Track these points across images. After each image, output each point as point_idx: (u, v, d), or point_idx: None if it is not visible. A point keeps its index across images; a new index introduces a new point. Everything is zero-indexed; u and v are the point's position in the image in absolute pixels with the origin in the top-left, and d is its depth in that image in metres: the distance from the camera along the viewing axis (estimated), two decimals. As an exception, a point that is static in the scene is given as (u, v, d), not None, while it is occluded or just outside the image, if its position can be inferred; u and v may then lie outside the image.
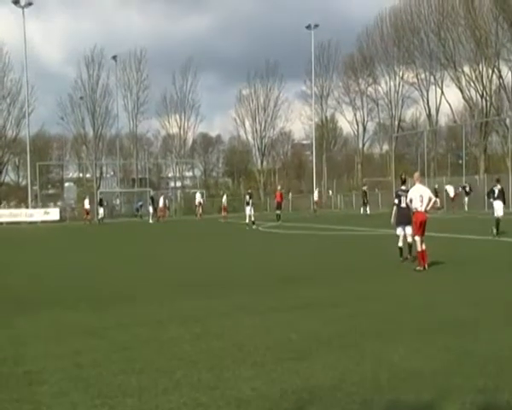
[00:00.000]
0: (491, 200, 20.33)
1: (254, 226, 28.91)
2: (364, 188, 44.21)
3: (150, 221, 42.06)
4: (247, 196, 31.09)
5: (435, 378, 5.00)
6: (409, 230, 13.25)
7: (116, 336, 6.84)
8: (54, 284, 11.76)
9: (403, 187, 13.62)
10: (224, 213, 40.50)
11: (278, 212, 35.31)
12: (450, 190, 42.86)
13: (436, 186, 43.00)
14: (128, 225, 41.11)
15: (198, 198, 47.80)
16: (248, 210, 29.99)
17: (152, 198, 45.63)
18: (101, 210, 45.21)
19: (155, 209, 45.02)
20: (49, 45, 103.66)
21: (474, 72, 57.33)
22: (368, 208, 41.32)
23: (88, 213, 44.88)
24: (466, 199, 41.30)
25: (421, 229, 12.32)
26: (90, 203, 45.61)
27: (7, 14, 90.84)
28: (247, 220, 29.54)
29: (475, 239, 18.90)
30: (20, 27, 50.73)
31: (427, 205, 12.41)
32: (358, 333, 6.66)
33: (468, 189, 41.73)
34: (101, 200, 47.03)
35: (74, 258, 17.80)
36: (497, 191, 20.04)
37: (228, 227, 33.18)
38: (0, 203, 53.57)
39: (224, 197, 44.10)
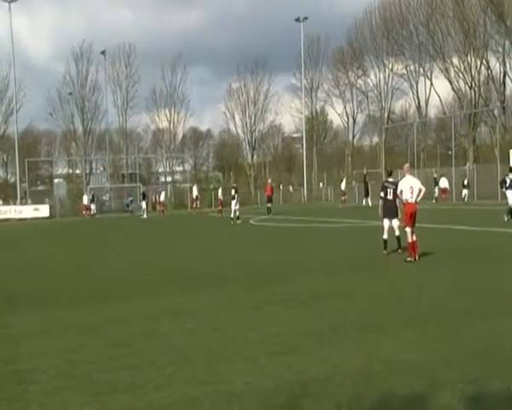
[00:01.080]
0: (504, 189, 21.26)
1: (238, 221, 28.84)
2: (366, 179, 43.06)
3: (144, 216, 41.63)
4: (233, 191, 30.89)
5: (427, 369, 5.02)
6: (395, 222, 13.27)
7: (109, 333, 6.82)
8: (46, 282, 11.70)
9: (390, 179, 13.64)
10: (220, 208, 39.30)
11: (269, 205, 35.37)
12: (444, 182, 42.89)
13: (435, 175, 43.01)
14: (121, 220, 40.96)
15: (195, 192, 46.37)
16: (233, 204, 29.71)
17: (144, 193, 45.55)
18: (92, 206, 45.57)
19: (147, 204, 45.03)
20: (37, 40, 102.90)
21: (463, 63, 57.52)
22: (369, 200, 39.08)
23: (87, 209, 45.73)
24: (465, 192, 41.25)
25: (411, 220, 12.36)
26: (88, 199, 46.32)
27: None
28: (232, 215, 29.36)
29: (470, 230, 19.00)
30: (6, 22, 50.35)
31: (418, 196, 12.46)
32: (350, 326, 6.67)
33: (466, 182, 41.75)
34: (92, 196, 47.14)
35: (67, 255, 17.72)
36: (508, 181, 21.15)
37: (221, 222, 33.15)
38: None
39: (220, 190, 42.25)
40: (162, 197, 47.39)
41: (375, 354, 5.51)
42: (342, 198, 44.96)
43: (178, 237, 23.71)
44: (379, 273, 10.92)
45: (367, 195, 40.24)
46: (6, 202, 51.62)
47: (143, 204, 43.93)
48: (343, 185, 46.83)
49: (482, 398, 4.40)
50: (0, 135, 65.04)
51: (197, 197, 45.94)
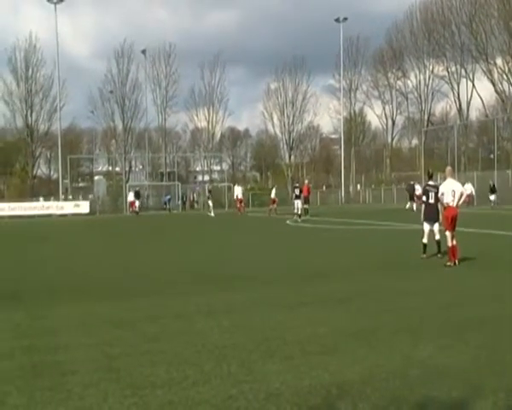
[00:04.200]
0: None
1: (300, 219, 29.92)
2: (412, 183, 42.26)
3: (212, 214, 39.81)
4: (297, 190, 32.68)
5: (466, 376, 4.92)
6: (436, 226, 13.08)
7: (145, 328, 6.90)
8: (84, 276, 11.93)
9: (430, 182, 13.46)
10: (272, 206, 38.71)
11: (306, 206, 35.27)
12: (469, 187, 41.38)
13: (491, 181, 41.73)
14: (162, 217, 41.41)
15: (238, 192, 43.67)
16: (297, 203, 31.55)
17: (210, 191, 44.33)
18: (136, 202, 46.29)
19: (184, 203, 45.47)
20: (79, 40, 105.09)
21: (507, 64, 56.28)
22: (414, 204, 38.05)
23: (133, 205, 46.51)
24: (492, 197, 40.22)
25: (452, 224, 12.15)
26: (134, 196, 47.17)
27: (38, 10, 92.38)
28: (298, 212, 31.18)
29: (507, 235, 18.56)
30: (51, 23, 51.58)
31: (459, 200, 12.25)
32: (387, 329, 6.60)
33: (492, 185, 40.66)
34: (137, 192, 47.72)
35: (105, 250, 18.03)
36: None
37: (262, 222, 33.20)
38: (34, 196, 54.56)
39: (274, 190, 40.46)
40: (240, 194, 43.69)
41: (411, 358, 5.44)
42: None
43: (215, 237, 23.84)
44: (417, 277, 10.77)
45: (412, 198, 39.23)
46: (49, 198, 52.79)
47: (210, 202, 41.87)
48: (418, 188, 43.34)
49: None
50: (44, 132, 66.60)
51: (241, 200, 43.37)
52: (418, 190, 40.19)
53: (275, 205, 38.45)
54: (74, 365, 5.46)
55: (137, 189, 49.73)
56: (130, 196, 47.77)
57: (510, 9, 54.87)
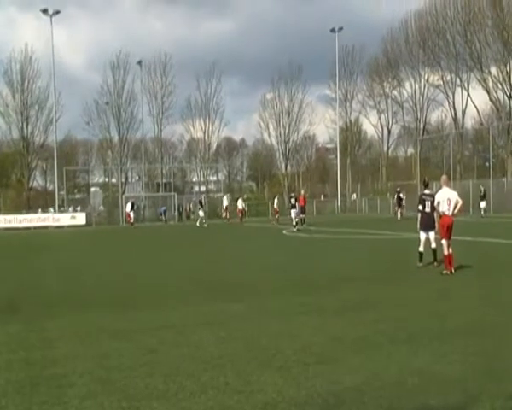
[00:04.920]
0: None
1: (297, 227, 30.65)
2: (398, 189, 42.74)
3: (202, 225, 39.88)
4: (293, 200, 32.98)
5: (463, 383, 4.93)
6: (432, 235, 13.11)
7: (142, 340, 6.89)
8: (81, 288, 11.90)
9: (426, 191, 13.48)
10: (277, 216, 40.09)
11: (302, 216, 35.33)
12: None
13: (481, 188, 41.53)
14: (158, 228, 41.38)
15: (225, 202, 47.11)
16: (293, 213, 32.04)
17: (200, 202, 44.94)
18: (131, 214, 46.12)
19: (180, 213, 45.46)
20: (74, 52, 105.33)
21: (502, 73, 56.58)
22: (399, 212, 38.73)
23: (129, 216, 46.49)
24: (482, 203, 39.80)
25: (448, 232, 12.19)
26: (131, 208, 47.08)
27: (34, 22, 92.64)
28: (294, 222, 31.55)
29: (506, 243, 18.61)
30: (46, 34, 51.69)
31: (455, 208, 12.28)
32: (384, 337, 6.60)
33: (482, 193, 40.22)
34: (132, 204, 47.72)
35: (103, 262, 18.00)
36: None
37: (258, 231, 33.21)
38: (30, 208, 54.47)
39: (276, 200, 42.72)
40: (240, 205, 46.55)
41: (408, 366, 5.44)
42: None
43: (212, 246, 23.83)
44: (413, 285, 10.78)
45: (400, 206, 39.66)
46: (45, 210, 52.67)
47: (201, 212, 42.31)
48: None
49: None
50: (40, 144, 66.55)
51: (227, 207, 46.32)
52: (402, 199, 40.54)
53: (277, 215, 38.89)
54: (71, 377, 5.45)
55: (132, 200, 49.78)
56: (128, 208, 47.69)
57: (504, 19, 55.28)
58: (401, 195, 40.47)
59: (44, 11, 52.12)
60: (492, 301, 8.89)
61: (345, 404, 4.54)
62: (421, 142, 64.96)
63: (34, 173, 70.07)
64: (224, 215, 46.36)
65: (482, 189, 40.11)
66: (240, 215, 45.30)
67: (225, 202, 47.10)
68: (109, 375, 5.47)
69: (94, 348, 6.58)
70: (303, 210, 36.10)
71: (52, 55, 52.20)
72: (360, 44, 69.89)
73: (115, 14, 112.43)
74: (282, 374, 5.33)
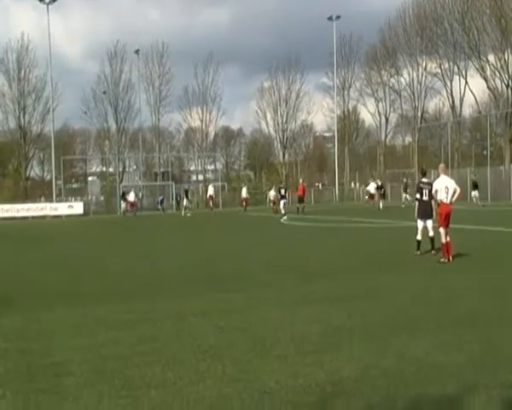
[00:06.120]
0: None
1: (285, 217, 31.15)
2: (405, 180, 42.90)
3: (188, 214, 41.05)
4: (283, 190, 35.56)
5: (461, 372, 4.94)
6: (429, 223, 13.12)
7: (140, 329, 6.90)
8: (79, 279, 11.89)
9: (424, 179, 13.48)
10: (274, 205, 40.22)
11: (302, 205, 35.43)
12: (372, 186, 41.06)
13: (474, 177, 41.12)
14: (157, 218, 41.33)
15: (210, 191, 47.76)
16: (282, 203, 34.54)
17: (186, 192, 45.61)
18: (123, 204, 46.05)
19: (178, 203, 45.47)
20: (71, 41, 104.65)
21: (500, 61, 56.39)
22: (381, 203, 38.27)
23: (133, 205, 46.35)
24: (474, 193, 38.98)
25: (446, 221, 12.19)
26: (135, 196, 47.46)
27: (30, 11, 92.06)
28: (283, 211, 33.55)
29: (506, 232, 18.64)
30: (42, 23, 51.38)
31: (452, 196, 12.28)
32: (382, 326, 6.62)
33: (474, 181, 39.03)
34: (123, 193, 47.62)
35: (100, 252, 17.99)
36: None
37: (253, 220, 33.22)
38: (27, 198, 54.38)
39: (272, 191, 43.35)
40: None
41: (406, 355, 5.45)
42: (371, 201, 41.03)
43: (207, 235, 23.82)
44: (411, 274, 10.79)
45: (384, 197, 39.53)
46: (46, 200, 52.53)
47: (185, 202, 43.38)
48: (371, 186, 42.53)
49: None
50: (37, 134, 66.30)
51: (211, 196, 46.99)
52: (371, 188, 40.61)
53: (275, 205, 38.76)
54: (69, 366, 5.45)
55: (124, 189, 49.66)
56: (131, 196, 47.52)
57: (502, 6, 55.04)
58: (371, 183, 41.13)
59: (41, 0, 51.76)
60: (490, 289, 8.90)
61: (343, 393, 4.55)
62: (418, 130, 64.88)
63: (31, 163, 69.98)
64: (209, 204, 46.91)
65: (474, 178, 39.23)
66: (209, 202, 46.74)
67: (210, 191, 47.62)
68: (107, 364, 5.48)
69: (91, 338, 6.57)
70: (301, 199, 36.15)
71: (49, 45, 51.87)
72: (358, 33, 69.76)
73: (112, 3, 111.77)
74: (279, 363, 5.33)
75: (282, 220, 29.64)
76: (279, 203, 35.82)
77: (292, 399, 4.46)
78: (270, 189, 46.25)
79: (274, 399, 4.47)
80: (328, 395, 4.51)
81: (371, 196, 40.66)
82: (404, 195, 41.25)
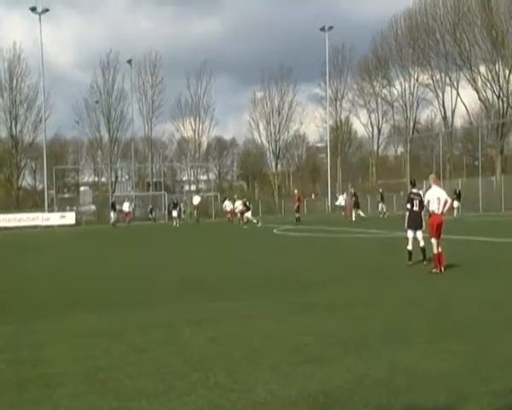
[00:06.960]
0: None
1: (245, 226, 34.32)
2: (381, 190, 43.47)
3: (177, 225, 41.28)
4: (247, 202, 37.42)
5: (452, 382, 4.95)
6: (419, 233, 13.17)
7: (132, 339, 6.87)
8: (71, 289, 11.85)
9: (414, 190, 13.57)
10: (240, 216, 39.89)
11: (297, 215, 35.67)
12: (341, 199, 41.18)
13: (457, 187, 41.00)
14: (150, 228, 41.22)
15: (195, 201, 47.95)
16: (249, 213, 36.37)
17: (175, 203, 45.79)
18: (112, 214, 45.55)
19: (170, 213, 45.51)
20: (64, 50, 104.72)
21: (491, 72, 56.94)
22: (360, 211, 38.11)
23: (127, 215, 46.41)
24: (456, 203, 37.95)
25: (437, 231, 12.24)
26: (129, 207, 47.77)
27: (22, 20, 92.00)
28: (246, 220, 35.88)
29: (496, 242, 18.72)
30: (34, 33, 51.46)
31: (444, 207, 12.34)
32: (374, 336, 6.62)
33: (458, 192, 38.59)
34: (113, 204, 47.43)
35: (93, 262, 17.92)
36: None
37: (243, 230, 33.22)
38: (19, 208, 54.11)
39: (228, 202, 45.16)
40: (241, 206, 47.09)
41: (398, 365, 5.46)
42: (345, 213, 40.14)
43: (198, 245, 23.79)
44: (403, 284, 10.82)
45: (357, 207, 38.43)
46: (34, 210, 52.32)
47: (174, 213, 43.99)
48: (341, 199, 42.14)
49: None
50: (29, 143, 66.08)
51: (196, 207, 47.28)
52: (341, 201, 40.61)
53: (242, 216, 37.89)
54: (61, 377, 5.42)
55: (113, 200, 49.49)
56: (125, 207, 47.35)
57: (493, 18, 55.62)
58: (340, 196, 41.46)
59: (33, 9, 51.86)
60: (482, 300, 8.93)
61: (335, 403, 4.54)
62: (410, 141, 65.26)
63: (23, 173, 69.72)
64: (194, 214, 47.44)
65: (457, 189, 38.73)
66: (195, 212, 47.21)
67: (195, 202, 47.86)
68: (98, 375, 5.45)
69: (83, 348, 6.54)
70: (297, 209, 36.48)
71: (41, 54, 51.99)
72: (350, 43, 70.20)
73: (104, 13, 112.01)
74: (272, 373, 5.32)
75: (245, 227, 34.16)
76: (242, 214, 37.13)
77: (285, 409, 4.45)
78: (225, 199, 48.13)
79: (267, 409, 4.45)
80: (320, 406, 4.50)
81: (344, 209, 40.30)
82: (380, 204, 41.84)
